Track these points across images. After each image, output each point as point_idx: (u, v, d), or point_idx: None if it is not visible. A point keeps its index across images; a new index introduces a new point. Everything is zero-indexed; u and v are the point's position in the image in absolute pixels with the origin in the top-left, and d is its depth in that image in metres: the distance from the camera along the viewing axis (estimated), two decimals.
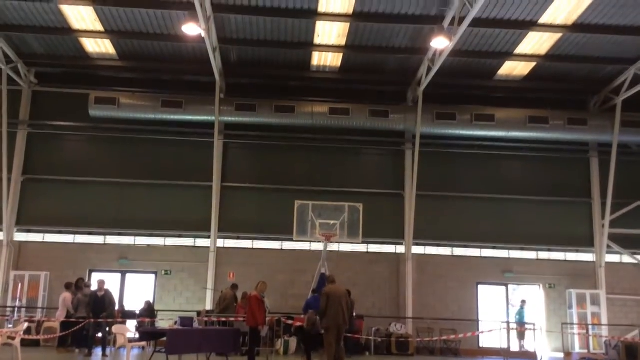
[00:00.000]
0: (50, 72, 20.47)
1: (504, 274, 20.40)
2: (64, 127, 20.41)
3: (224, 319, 15.94)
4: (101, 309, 14.64)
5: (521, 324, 19.04)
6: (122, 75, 20.48)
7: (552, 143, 20.84)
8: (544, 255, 20.74)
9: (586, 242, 20.79)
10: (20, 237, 19.78)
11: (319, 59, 19.48)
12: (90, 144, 20.60)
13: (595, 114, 20.68)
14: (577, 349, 19.23)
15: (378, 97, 20.69)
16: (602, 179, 20.78)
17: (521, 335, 18.98)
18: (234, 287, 17.24)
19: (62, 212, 19.88)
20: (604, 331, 19.47)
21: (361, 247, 20.05)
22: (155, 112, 19.64)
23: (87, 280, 18.02)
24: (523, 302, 19.65)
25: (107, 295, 14.98)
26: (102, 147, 20.50)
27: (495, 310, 20.22)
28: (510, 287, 20.72)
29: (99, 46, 19.04)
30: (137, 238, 20.01)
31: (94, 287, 15.40)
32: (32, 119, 20.33)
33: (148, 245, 19.97)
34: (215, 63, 18.35)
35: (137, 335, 14.67)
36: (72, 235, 19.89)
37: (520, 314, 19.44)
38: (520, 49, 18.26)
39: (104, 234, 19.95)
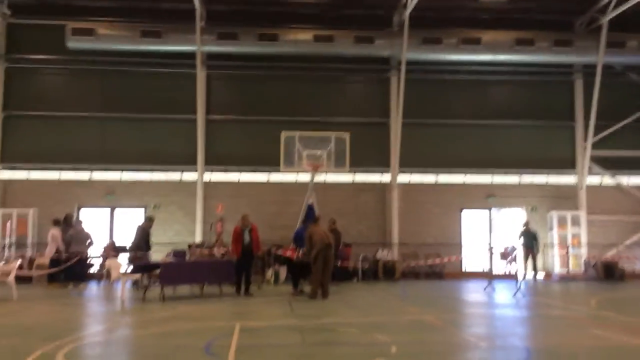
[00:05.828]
0: (25, 2, 19.62)
1: (487, 198, 20.78)
2: (42, 61, 19.83)
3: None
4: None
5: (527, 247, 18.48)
6: (98, 4, 19.73)
7: (538, 66, 20.76)
8: (527, 179, 21.08)
9: (568, 164, 21.11)
10: (5, 174, 19.61)
11: None
12: (70, 78, 20.12)
13: (581, 34, 20.50)
14: (558, 269, 19.94)
15: (363, 22, 20.21)
16: (585, 101, 20.84)
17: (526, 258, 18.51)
18: None
19: (46, 148, 19.64)
20: (584, 251, 20.14)
21: (347, 177, 20.22)
22: (134, 42, 19.16)
23: (75, 216, 18.09)
24: (525, 223, 19.07)
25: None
26: (82, 81, 20.04)
27: (479, 235, 20.68)
28: (493, 210, 21.13)
29: None
30: (124, 173, 19.93)
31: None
32: (8, 53, 19.70)
33: (135, 181, 19.94)
34: None
35: (130, 269, 14.90)
36: (58, 172, 19.75)
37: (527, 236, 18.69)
38: None
39: (90, 170, 19.84)
